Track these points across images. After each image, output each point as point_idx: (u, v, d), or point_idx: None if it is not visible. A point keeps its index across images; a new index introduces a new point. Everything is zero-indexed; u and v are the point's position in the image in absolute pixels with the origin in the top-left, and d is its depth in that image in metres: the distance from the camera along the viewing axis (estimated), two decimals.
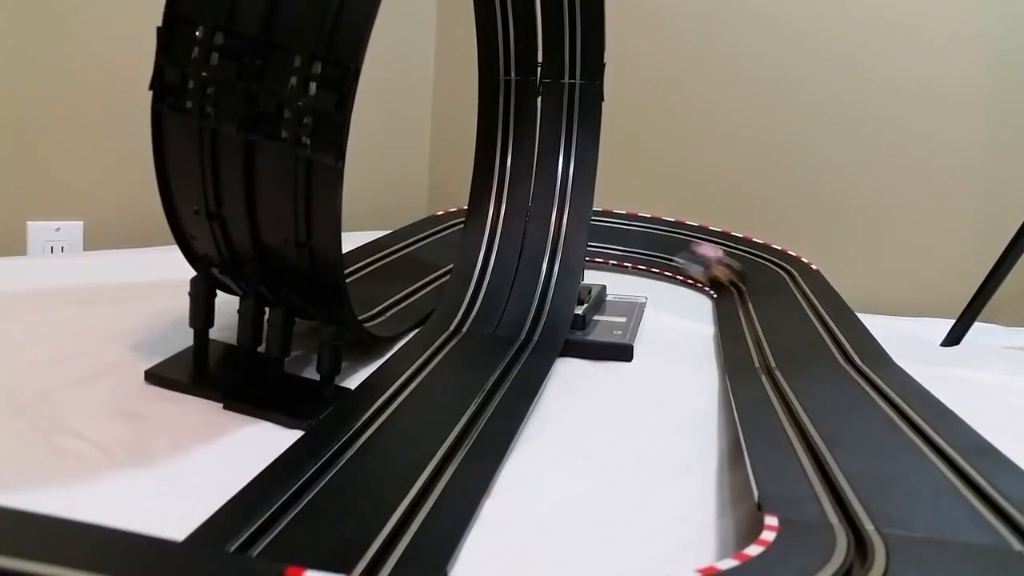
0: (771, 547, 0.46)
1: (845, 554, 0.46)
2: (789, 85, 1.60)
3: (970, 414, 0.71)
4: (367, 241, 1.27)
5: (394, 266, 1.20)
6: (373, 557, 0.47)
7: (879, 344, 0.95)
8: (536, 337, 0.95)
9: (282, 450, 0.61)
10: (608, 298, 1.17)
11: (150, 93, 0.71)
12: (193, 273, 0.78)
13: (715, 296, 1.31)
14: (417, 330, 0.96)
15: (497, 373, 0.82)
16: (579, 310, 1.01)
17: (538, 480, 0.63)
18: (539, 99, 1.11)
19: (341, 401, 0.73)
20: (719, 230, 1.51)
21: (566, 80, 1.10)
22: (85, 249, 1.38)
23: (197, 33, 0.68)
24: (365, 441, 0.64)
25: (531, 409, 0.75)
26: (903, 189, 1.53)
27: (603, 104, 1.10)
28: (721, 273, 1.30)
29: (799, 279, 1.28)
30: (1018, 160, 1.45)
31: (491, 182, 1.11)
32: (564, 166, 1.10)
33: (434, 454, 0.62)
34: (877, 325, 1.05)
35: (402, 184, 1.97)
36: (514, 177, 1.11)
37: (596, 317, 1.06)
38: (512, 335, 0.96)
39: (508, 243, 1.08)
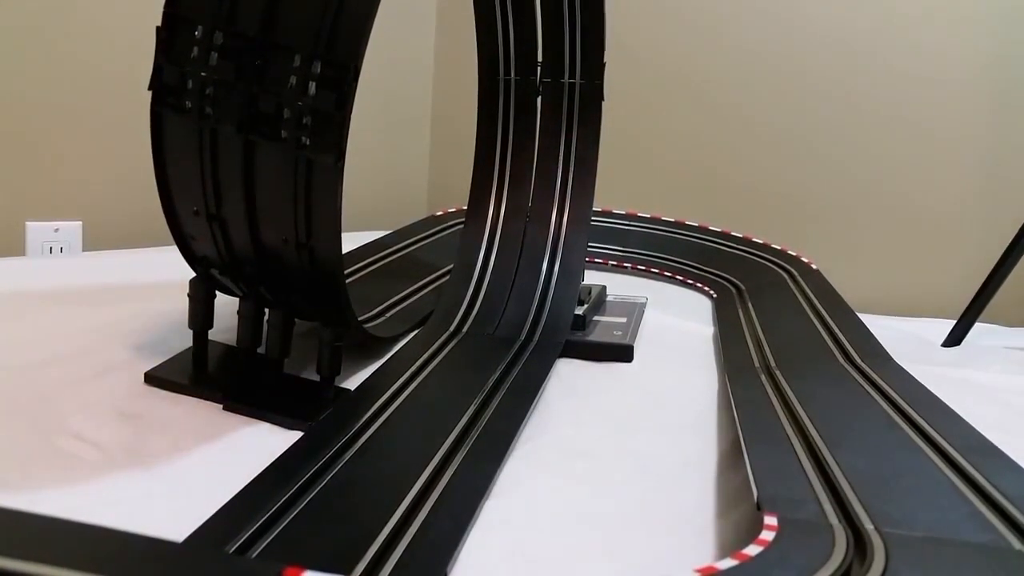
0: (770, 547, 0.46)
1: (844, 553, 0.46)
2: (790, 85, 1.60)
3: (971, 414, 0.71)
4: (367, 241, 1.27)
5: (394, 266, 1.20)
6: (373, 558, 0.47)
7: (879, 344, 0.95)
8: (536, 337, 0.95)
9: (282, 451, 0.61)
10: (608, 298, 1.17)
11: (149, 93, 0.71)
12: (192, 274, 0.78)
13: (715, 296, 1.31)
14: (417, 331, 0.96)
15: (497, 373, 0.82)
16: (579, 310, 1.01)
17: (538, 481, 0.63)
18: (539, 99, 1.11)
19: (341, 402, 0.73)
20: (719, 230, 1.51)
21: (566, 80, 1.10)
22: (84, 250, 1.38)
23: (196, 33, 0.68)
24: (365, 442, 0.64)
25: (531, 410, 0.75)
26: (904, 189, 1.53)
27: (603, 104, 1.10)
28: None
29: (799, 279, 1.28)
30: (1019, 160, 1.45)
31: (491, 182, 1.11)
32: (564, 166, 1.10)
33: (434, 454, 0.62)
34: (878, 325, 1.05)
35: (402, 184, 1.97)
36: (514, 177, 1.11)
37: (596, 317, 1.06)
38: (512, 335, 0.95)
39: (508, 243, 1.08)
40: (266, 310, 0.77)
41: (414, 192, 2.00)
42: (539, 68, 1.10)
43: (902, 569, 0.44)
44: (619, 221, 1.55)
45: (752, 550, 0.46)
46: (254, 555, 0.47)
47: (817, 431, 0.66)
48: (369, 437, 0.65)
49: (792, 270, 1.33)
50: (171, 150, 0.72)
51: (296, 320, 0.77)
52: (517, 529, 0.55)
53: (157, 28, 0.70)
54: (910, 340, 1.16)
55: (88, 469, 0.59)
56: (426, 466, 0.60)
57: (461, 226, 1.14)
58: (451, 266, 1.09)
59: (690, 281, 1.41)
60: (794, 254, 1.40)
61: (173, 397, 0.73)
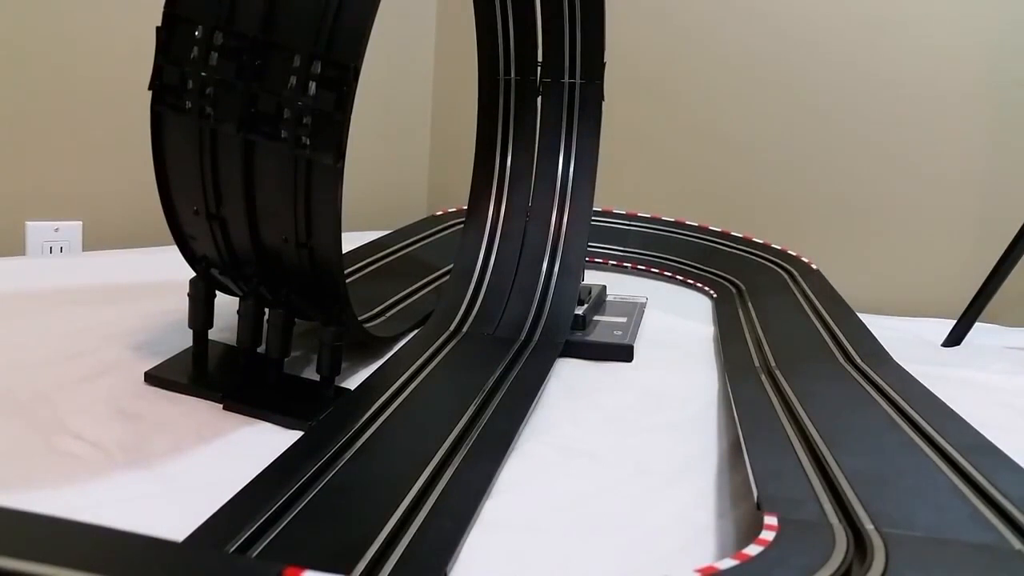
0: (770, 546, 0.46)
1: (844, 553, 0.46)
2: (790, 85, 1.60)
3: (970, 414, 0.71)
4: (367, 241, 1.27)
5: (394, 266, 1.20)
6: (373, 558, 0.47)
7: (879, 343, 0.95)
8: (536, 337, 0.95)
9: (282, 451, 0.61)
10: (608, 298, 1.17)
11: (150, 93, 0.71)
12: (193, 274, 0.78)
13: (715, 296, 1.31)
14: (417, 330, 0.96)
15: (497, 373, 0.82)
16: (579, 310, 1.01)
17: (538, 480, 0.63)
18: (539, 99, 1.11)
19: (341, 402, 0.73)
20: (719, 230, 1.51)
21: (566, 80, 1.10)
22: (84, 249, 1.38)
23: (196, 33, 0.68)
24: (365, 442, 0.64)
25: (531, 409, 0.75)
26: (904, 189, 1.53)
27: (603, 104, 1.10)
28: None
29: (799, 279, 1.28)
30: (1019, 160, 1.45)
31: (491, 182, 1.11)
32: (564, 166, 1.10)
33: (434, 454, 0.62)
34: (878, 325, 1.05)
35: (402, 184, 1.97)
36: (514, 177, 1.11)
37: (596, 317, 1.06)
38: (512, 335, 0.95)
39: (508, 243, 1.08)
40: (266, 310, 0.77)
41: (414, 192, 2.00)
42: (539, 68, 1.10)
43: (902, 569, 0.44)
44: (619, 221, 1.55)
45: (752, 550, 0.46)
46: (254, 555, 0.47)
47: (817, 431, 0.66)
48: (369, 437, 0.65)
49: (792, 270, 1.33)
50: (171, 150, 0.72)
51: (296, 320, 0.77)
52: (517, 529, 0.55)
53: (157, 28, 0.70)
54: (911, 340, 1.16)
55: (88, 469, 0.59)
56: (426, 466, 0.60)
57: (461, 226, 1.14)
58: (451, 266, 1.09)
59: (690, 281, 1.41)
60: (794, 254, 1.40)
61: (173, 397, 0.73)
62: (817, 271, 1.33)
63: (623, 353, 0.95)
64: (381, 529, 0.50)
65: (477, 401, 0.74)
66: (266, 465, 0.59)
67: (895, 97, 1.52)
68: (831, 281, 1.27)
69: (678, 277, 1.42)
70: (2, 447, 0.61)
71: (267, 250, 0.73)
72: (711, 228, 1.52)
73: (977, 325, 1.17)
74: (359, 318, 0.84)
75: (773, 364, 0.89)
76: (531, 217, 1.09)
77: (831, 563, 0.45)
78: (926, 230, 1.52)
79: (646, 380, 0.89)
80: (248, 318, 0.76)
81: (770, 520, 0.49)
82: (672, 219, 1.55)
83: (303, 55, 0.66)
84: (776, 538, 0.47)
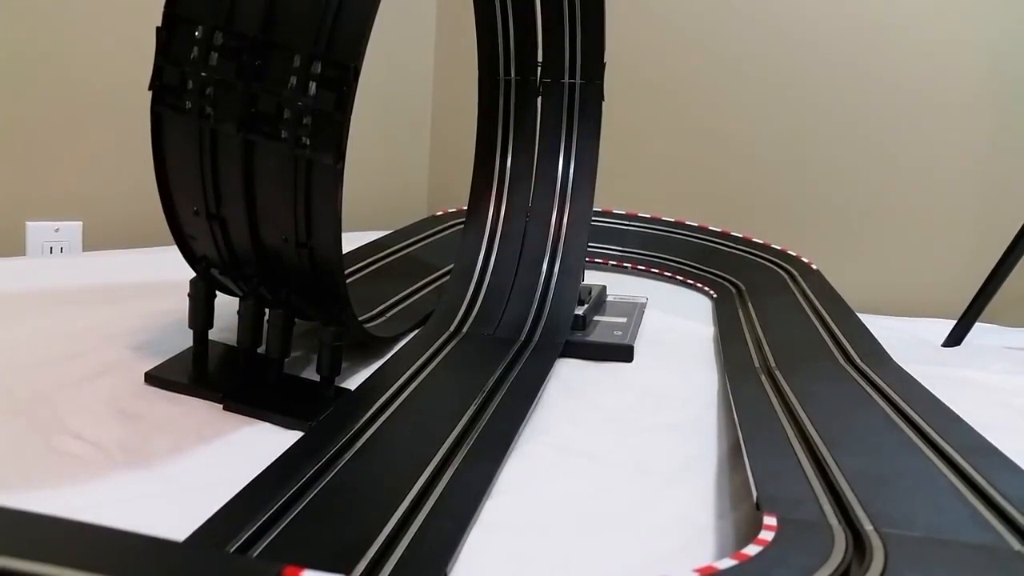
0: (769, 546, 0.46)
1: (843, 553, 0.46)
2: (790, 85, 1.60)
3: (970, 414, 0.71)
4: (367, 241, 1.27)
5: (394, 266, 1.20)
6: (373, 558, 0.47)
7: (879, 344, 0.95)
8: (536, 338, 0.95)
9: (282, 451, 0.61)
10: (608, 298, 1.17)
11: (150, 93, 0.71)
12: (193, 274, 0.78)
13: (715, 296, 1.31)
14: (417, 331, 0.96)
15: (497, 374, 0.82)
16: (579, 310, 1.01)
17: (538, 481, 0.63)
18: (539, 99, 1.11)
19: (341, 402, 0.73)
20: (719, 230, 1.51)
21: (566, 80, 1.10)
22: (84, 250, 1.38)
23: (196, 33, 0.68)
24: (365, 442, 0.64)
25: (531, 410, 0.75)
26: (904, 189, 1.53)
27: (603, 104, 1.10)
28: None
29: (799, 279, 1.28)
30: (1018, 161, 1.45)
31: (491, 182, 1.11)
32: (564, 166, 1.10)
33: (434, 454, 0.62)
34: (878, 325, 1.05)
35: (402, 184, 1.98)
36: (514, 177, 1.11)
37: (596, 318, 1.06)
38: (512, 336, 0.96)
39: (508, 243, 1.08)
40: (266, 310, 0.77)
41: (414, 192, 2.00)
42: (539, 68, 1.10)
43: (901, 569, 0.44)
44: (619, 221, 1.55)
45: (752, 550, 0.46)
46: (254, 555, 0.47)
47: (817, 431, 0.66)
48: (369, 437, 0.65)
49: (792, 270, 1.33)
50: (171, 150, 0.72)
51: (296, 320, 0.77)
52: (517, 529, 0.55)
53: (157, 28, 0.70)
54: (910, 340, 1.16)
55: (88, 469, 0.59)
56: (426, 466, 0.60)
57: (461, 226, 1.14)
58: (451, 266, 1.09)
59: (690, 281, 1.41)
60: (794, 254, 1.40)
61: (173, 397, 0.73)
62: (817, 271, 1.33)
63: (623, 353, 0.95)
64: (381, 529, 0.50)
65: (477, 401, 0.74)
66: (266, 465, 0.59)
67: (895, 97, 1.52)
68: (831, 281, 1.27)
69: (678, 277, 1.42)
70: (2, 447, 0.61)
71: (267, 250, 0.73)
72: (711, 228, 1.52)
73: (977, 325, 1.17)
74: (359, 318, 0.84)
75: (773, 364, 0.89)
76: (531, 217, 1.09)
77: (830, 563, 0.45)
78: (926, 230, 1.52)
79: (646, 380, 0.89)
80: (248, 318, 0.76)
81: (769, 520, 0.49)
82: (672, 219, 1.55)
83: (303, 55, 0.66)
84: (775, 538, 0.47)
